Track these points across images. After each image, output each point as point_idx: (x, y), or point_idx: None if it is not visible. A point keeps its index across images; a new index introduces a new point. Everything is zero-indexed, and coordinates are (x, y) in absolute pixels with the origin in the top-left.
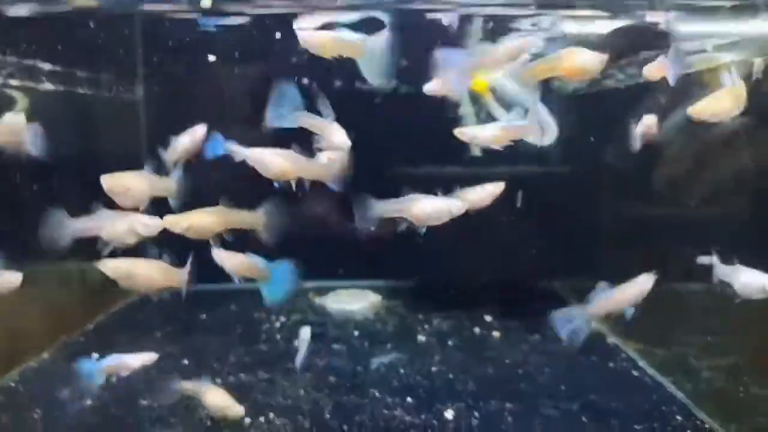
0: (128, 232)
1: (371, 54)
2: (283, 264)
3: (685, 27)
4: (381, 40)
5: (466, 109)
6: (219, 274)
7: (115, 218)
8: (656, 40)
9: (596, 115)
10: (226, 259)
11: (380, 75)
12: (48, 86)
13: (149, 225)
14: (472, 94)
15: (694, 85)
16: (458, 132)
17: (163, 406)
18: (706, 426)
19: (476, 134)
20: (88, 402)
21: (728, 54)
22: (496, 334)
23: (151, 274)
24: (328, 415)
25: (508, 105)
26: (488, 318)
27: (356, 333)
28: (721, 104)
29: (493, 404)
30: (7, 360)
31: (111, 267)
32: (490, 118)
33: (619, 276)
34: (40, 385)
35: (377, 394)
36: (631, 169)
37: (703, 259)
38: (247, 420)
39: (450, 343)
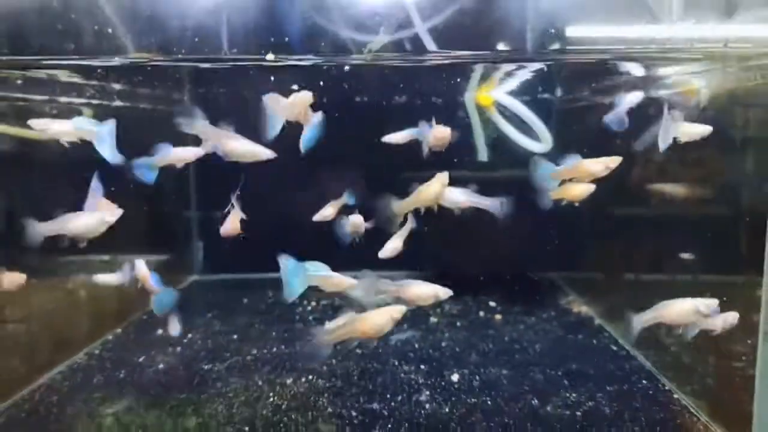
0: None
1: None
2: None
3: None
4: None
5: (477, 131)
6: (258, 264)
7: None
8: None
9: (585, 126)
10: None
11: None
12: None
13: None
14: (480, 115)
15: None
16: None
17: (222, 370)
18: (666, 388)
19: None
20: (160, 365)
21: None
22: (498, 317)
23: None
24: (356, 378)
25: (510, 117)
26: (492, 304)
27: None
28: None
29: (492, 370)
30: (91, 333)
31: None
32: (498, 131)
33: (608, 269)
34: (117, 353)
35: (396, 362)
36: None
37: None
38: (290, 380)
39: (458, 324)
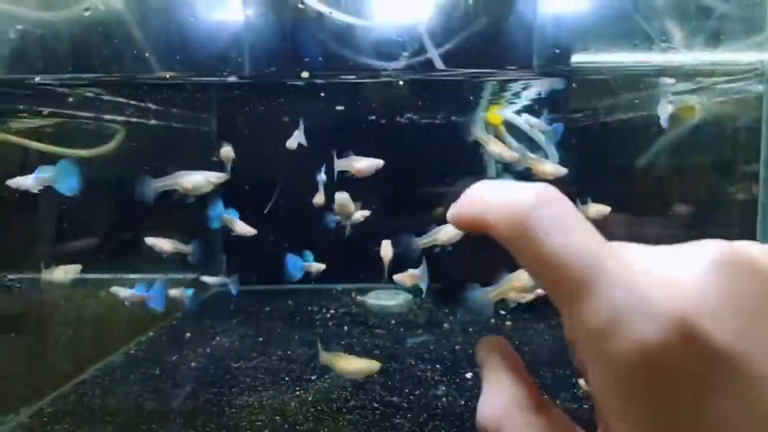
0: None
1: None
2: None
3: None
4: None
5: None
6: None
7: None
8: None
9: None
10: None
11: None
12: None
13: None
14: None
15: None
16: None
17: (250, 368)
18: None
19: None
20: (192, 364)
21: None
22: (508, 323)
23: None
24: (376, 376)
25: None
26: (503, 312)
27: (393, 322)
28: None
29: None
30: (124, 336)
31: None
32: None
33: None
34: (151, 353)
35: (412, 362)
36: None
37: None
38: (313, 378)
39: (470, 329)
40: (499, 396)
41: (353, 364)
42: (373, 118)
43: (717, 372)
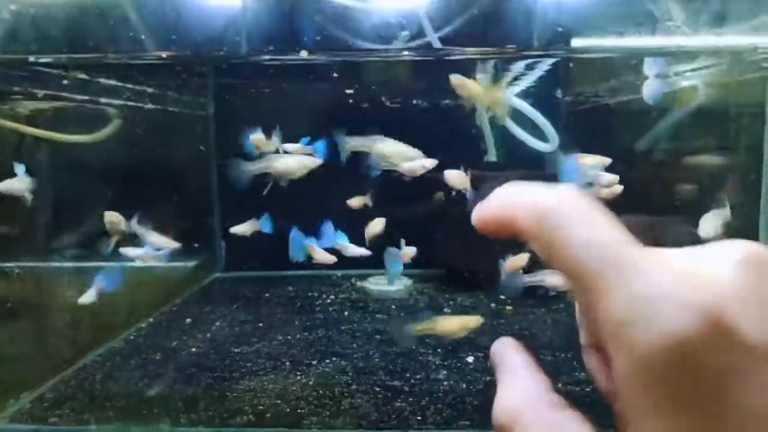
0: None
1: None
2: None
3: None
4: None
5: (487, 132)
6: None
7: None
8: None
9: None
10: None
11: None
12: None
13: None
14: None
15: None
16: None
17: (251, 353)
18: None
19: None
20: (192, 349)
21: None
22: (509, 308)
23: None
24: (377, 359)
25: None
26: (503, 297)
27: (393, 307)
28: None
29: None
30: (124, 323)
31: None
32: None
33: None
34: (151, 339)
35: (413, 346)
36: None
37: None
38: (314, 362)
39: (471, 314)
40: (516, 392)
41: (455, 323)
42: (374, 99)
43: (745, 363)
